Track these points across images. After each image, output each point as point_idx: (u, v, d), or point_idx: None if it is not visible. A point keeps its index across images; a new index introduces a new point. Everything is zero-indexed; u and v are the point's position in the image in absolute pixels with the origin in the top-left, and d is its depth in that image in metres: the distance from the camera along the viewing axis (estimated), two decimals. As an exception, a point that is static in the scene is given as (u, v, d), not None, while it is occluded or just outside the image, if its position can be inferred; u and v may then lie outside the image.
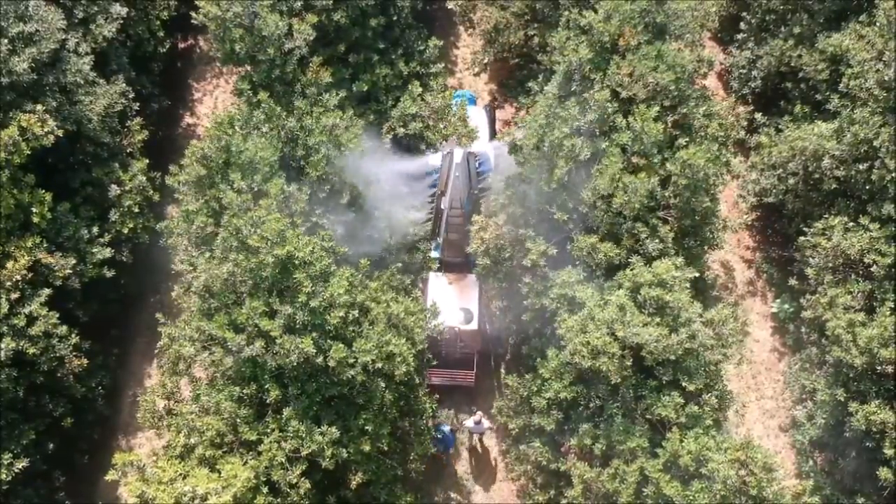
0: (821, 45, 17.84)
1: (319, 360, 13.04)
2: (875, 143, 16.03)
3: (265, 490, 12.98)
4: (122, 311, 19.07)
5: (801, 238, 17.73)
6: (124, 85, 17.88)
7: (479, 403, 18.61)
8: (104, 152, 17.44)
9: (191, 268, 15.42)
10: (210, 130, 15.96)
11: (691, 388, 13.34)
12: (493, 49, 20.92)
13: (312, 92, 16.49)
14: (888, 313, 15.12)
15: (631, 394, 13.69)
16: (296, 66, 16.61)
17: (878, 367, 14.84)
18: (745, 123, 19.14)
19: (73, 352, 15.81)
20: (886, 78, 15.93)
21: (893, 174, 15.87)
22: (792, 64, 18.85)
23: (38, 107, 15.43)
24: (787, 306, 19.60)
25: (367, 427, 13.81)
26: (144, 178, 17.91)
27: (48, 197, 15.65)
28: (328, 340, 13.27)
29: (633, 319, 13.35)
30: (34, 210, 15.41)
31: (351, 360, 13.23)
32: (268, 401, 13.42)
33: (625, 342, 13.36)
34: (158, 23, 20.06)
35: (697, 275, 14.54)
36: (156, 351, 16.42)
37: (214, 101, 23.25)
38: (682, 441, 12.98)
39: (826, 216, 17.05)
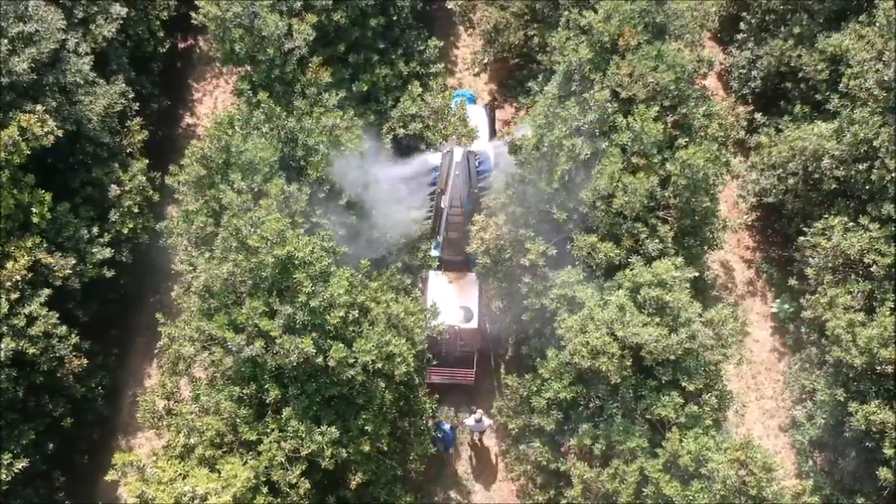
0: (821, 45, 17.84)
1: (319, 360, 13.04)
2: (875, 143, 16.03)
3: (265, 490, 12.97)
4: (122, 311, 19.06)
5: (801, 238, 17.73)
6: (124, 85, 17.87)
7: (479, 403, 18.60)
8: (104, 152, 17.43)
9: (191, 268, 15.42)
10: (210, 130, 15.96)
11: (691, 388, 13.35)
12: (493, 49, 20.92)
13: (312, 92, 16.49)
14: (888, 313, 15.13)
15: (631, 394, 13.70)
16: (295, 66, 16.61)
17: (878, 367, 14.84)
18: (745, 123, 19.14)
19: (73, 352, 15.79)
20: (886, 78, 15.93)
21: (893, 174, 15.87)
22: (792, 64, 18.84)
23: (38, 107, 15.42)
24: (786, 306, 19.60)
25: (366, 427, 13.81)
26: (144, 178, 17.90)
27: (48, 197, 15.64)
28: (328, 340, 13.27)
29: (633, 319, 13.35)
30: (34, 210, 15.41)
31: (351, 360, 13.23)
32: (267, 401, 13.42)
33: (624, 342, 13.36)
34: (158, 23, 20.04)
35: (697, 275, 14.55)
36: (156, 351, 16.40)
37: (214, 101, 23.25)
38: (681, 441, 12.99)
39: (826, 216, 17.04)
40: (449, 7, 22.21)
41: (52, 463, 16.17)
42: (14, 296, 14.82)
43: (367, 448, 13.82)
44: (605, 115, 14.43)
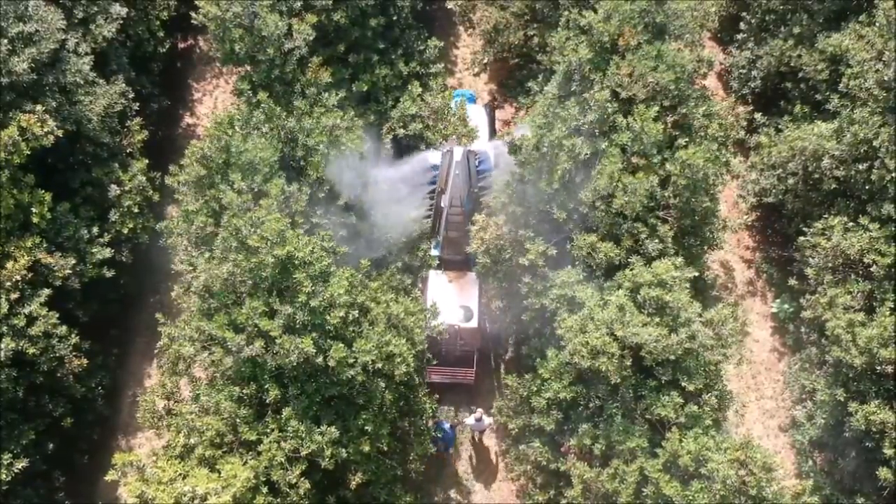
0: (821, 45, 17.84)
1: (319, 360, 13.04)
2: (875, 143, 16.03)
3: (265, 490, 12.97)
4: (121, 311, 19.06)
5: (801, 238, 17.73)
6: (124, 85, 17.86)
7: (479, 402, 18.60)
8: (104, 152, 17.43)
9: (190, 268, 15.42)
10: (210, 130, 15.96)
11: (691, 388, 13.35)
12: (493, 49, 20.91)
13: (312, 92, 16.49)
14: (888, 313, 15.13)
15: (630, 394, 13.70)
16: (295, 66, 16.61)
17: (878, 367, 14.84)
18: (745, 123, 19.14)
19: (73, 352, 15.79)
20: (886, 78, 15.94)
21: (893, 174, 15.87)
22: (792, 64, 18.85)
23: (38, 107, 15.41)
24: (786, 306, 19.60)
25: (366, 427, 13.81)
26: (144, 178, 17.90)
27: (48, 197, 15.64)
28: (328, 340, 13.27)
29: (633, 319, 13.35)
30: (34, 210, 15.41)
31: (351, 360, 13.23)
32: (267, 401, 13.42)
33: (624, 342, 13.36)
34: (158, 23, 20.03)
35: (697, 275, 14.56)
36: (155, 351, 16.40)
37: (214, 101, 23.25)
38: (681, 441, 12.99)
39: (826, 216, 17.04)
40: (449, 7, 22.21)
41: (52, 463, 16.17)
42: (14, 296, 14.82)
43: (367, 448, 13.82)
44: (604, 115, 14.43)
